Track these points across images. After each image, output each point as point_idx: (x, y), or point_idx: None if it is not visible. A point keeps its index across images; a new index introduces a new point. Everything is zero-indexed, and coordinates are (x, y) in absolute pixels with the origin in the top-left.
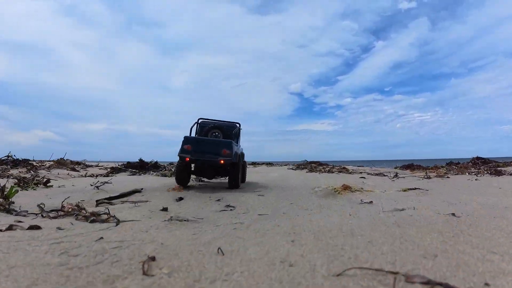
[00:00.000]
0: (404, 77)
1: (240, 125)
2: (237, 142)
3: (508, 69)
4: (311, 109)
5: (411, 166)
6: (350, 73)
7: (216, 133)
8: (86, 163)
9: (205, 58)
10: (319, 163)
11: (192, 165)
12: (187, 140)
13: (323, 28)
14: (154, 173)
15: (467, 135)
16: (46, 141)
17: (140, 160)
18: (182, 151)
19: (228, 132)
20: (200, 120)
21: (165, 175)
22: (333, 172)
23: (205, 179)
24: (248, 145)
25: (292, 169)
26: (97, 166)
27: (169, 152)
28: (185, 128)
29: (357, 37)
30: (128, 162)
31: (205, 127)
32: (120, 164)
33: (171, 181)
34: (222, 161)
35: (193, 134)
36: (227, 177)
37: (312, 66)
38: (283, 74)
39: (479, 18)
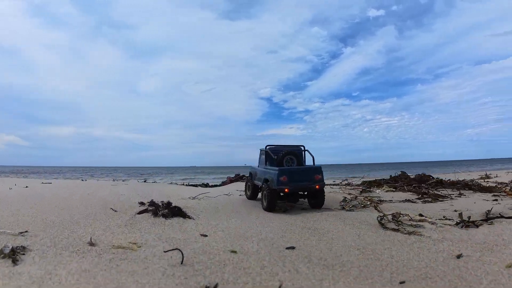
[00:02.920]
0: (371, 83)
1: (304, 147)
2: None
3: (472, 76)
4: (280, 114)
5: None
6: (319, 79)
7: (290, 158)
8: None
9: (176, 62)
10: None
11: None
12: (282, 172)
13: (293, 35)
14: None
15: (433, 139)
16: (10, 145)
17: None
18: (280, 183)
19: (299, 156)
20: (268, 147)
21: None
22: None
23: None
24: (220, 150)
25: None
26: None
27: (139, 157)
28: (155, 132)
29: (326, 43)
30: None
31: (278, 153)
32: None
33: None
34: (318, 186)
35: (259, 161)
36: (306, 198)
37: (281, 71)
38: (253, 79)
39: (445, 27)
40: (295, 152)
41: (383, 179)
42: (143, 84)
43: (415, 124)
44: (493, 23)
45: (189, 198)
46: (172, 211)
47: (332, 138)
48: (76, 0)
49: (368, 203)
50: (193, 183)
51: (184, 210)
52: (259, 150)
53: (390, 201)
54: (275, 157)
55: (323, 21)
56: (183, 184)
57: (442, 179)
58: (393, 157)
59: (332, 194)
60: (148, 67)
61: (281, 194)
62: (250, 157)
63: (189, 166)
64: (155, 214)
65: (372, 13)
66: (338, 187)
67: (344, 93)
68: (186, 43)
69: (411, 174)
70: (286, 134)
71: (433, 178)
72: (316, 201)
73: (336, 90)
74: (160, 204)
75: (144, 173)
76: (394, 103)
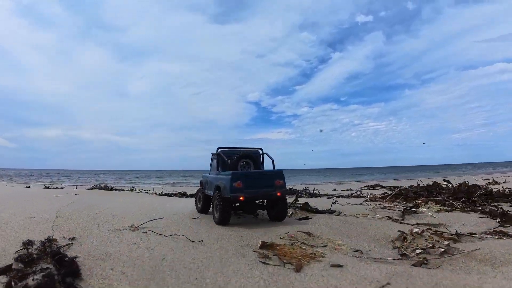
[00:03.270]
0: (359, 88)
1: (262, 150)
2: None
3: (458, 81)
4: (268, 118)
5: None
6: (307, 83)
7: (246, 162)
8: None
9: (164, 65)
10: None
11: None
12: (236, 176)
13: (282, 39)
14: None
15: (420, 143)
16: None
17: None
18: (233, 190)
19: (256, 159)
20: (220, 150)
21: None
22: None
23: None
24: (208, 154)
25: None
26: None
27: (127, 160)
28: (142, 135)
29: (315, 48)
30: None
31: (231, 157)
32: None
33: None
34: (279, 193)
35: (211, 167)
36: (265, 210)
37: (270, 75)
38: (241, 83)
39: (432, 33)
40: (251, 155)
41: (405, 188)
42: (131, 87)
43: (402, 129)
44: (479, 29)
45: (130, 228)
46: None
47: (320, 142)
48: (65, 1)
49: (445, 243)
50: (167, 192)
51: (87, 265)
52: (211, 155)
53: (472, 235)
54: (228, 160)
55: (312, 26)
56: (156, 193)
57: (491, 189)
58: (381, 161)
59: (368, 221)
60: (136, 70)
61: (236, 203)
62: None
63: (177, 170)
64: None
65: (361, 18)
66: (364, 200)
67: (332, 97)
68: (175, 46)
69: (385, 178)
70: (274, 139)
71: (480, 188)
72: (278, 212)
73: (324, 95)
74: (49, 249)
75: (131, 177)
76: (382, 108)
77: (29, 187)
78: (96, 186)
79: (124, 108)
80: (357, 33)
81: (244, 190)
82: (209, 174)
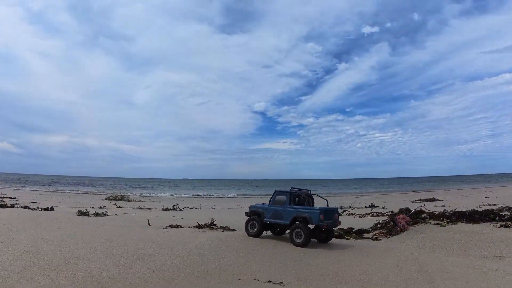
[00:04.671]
0: (365, 99)
1: (310, 191)
2: None
3: (464, 92)
4: (274, 128)
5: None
6: (313, 94)
7: (309, 200)
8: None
9: (170, 74)
10: None
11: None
12: (322, 211)
13: (288, 50)
14: None
15: (426, 154)
16: (3, 152)
17: None
18: (321, 220)
19: (312, 198)
20: (292, 189)
21: None
22: None
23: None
24: (212, 163)
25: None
26: None
27: (132, 168)
28: (147, 143)
29: (321, 59)
30: None
31: (300, 195)
32: None
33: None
34: (338, 223)
35: (274, 201)
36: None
37: (276, 86)
38: (247, 93)
39: (437, 44)
40: (311, 195)
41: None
42: (137, 96)
43: (408, 140)
44: (485, 40)
45: None
46: None
47: (326, 153)
48: (74, 9)
49: None
50: (174, 206)
51: None
52: (274, 191)
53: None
54: (296, 198)
55: (318, 37)
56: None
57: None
58: (386, 172)
59: None
60: (142, 79)
61: (322, 229)
62: (243, 171)
63: (181, 179)
64: None
65: (367, 29)
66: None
67: (337, 108)
68: (181, 56)
69: (403, 190)
70: (279, 149)
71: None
72: (330, 237)
73: (330, 105)
74: None
75: (141, 185)
76: (387, 119)
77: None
78: (112, 196)
79: (129, 116)
80: (363, 44)
81: (325, 220)
82: (270, 206)
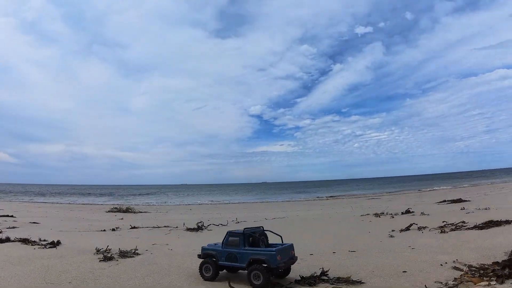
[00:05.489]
0: (360, 99)
1: (263, 228)
2: None
3: (459, 89)
4: (270, 131)
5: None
6: (308, 95)
7: (263, 238)
8: None
9: (166, 80)
10: None
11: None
12: (279, 251)
13: (282, 53)
14: None
15: (423, 152)
16: (0, 162)
17: None
18: (278, 262)
19: (266, 236)
20: (245, 230)
21: None
22: None
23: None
24: (210, 168)
25: None
26: None
27: (130, 175)
28: (145, 150)
29: (315, 60)
30: None
31: (254, 235)
32: None
33: None
34: (295, 260)
35: (227, 242)
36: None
37: (271, 89)
38: (243, 97)
39: (430, 42)
40: (265, 233)
41: None
42: (133, 102)
43: (404, 139)
44: (478, 37)
45: None
46: None
47: (323, 154)
48: (68, 18)
49: None
50: (198, 224)
51: None
52: (227, 233)
53: None
54: (251, 238)
55: (312, 38)
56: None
57: None
58: (384, 171)
59: None
60: (138, 85)
61: (280, 270)
62: (241, 175)
63: (180, 184)
64: None
65: (360, 30)
66: None
67: (333, 109)
68: (177, 62)
69: (408, 189)
70: (277, 151)
71: None
72: (285, 273)
73: (325, 107)
74: None
75: (141, 193)
76: (384, 118)
77: (57, 243)
78: (115, 208)
79: (126, 123)
80: (356, 44)
81: (282, 260)
82: (224, 248)
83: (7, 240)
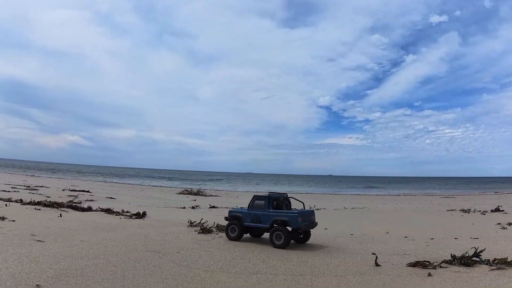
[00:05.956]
0: (434, 92)
1: (287, 195)
2: None
3: None
4: (339, 123)
5: None
6: (379, 87)
7: (287, 203)
8: None
9: (234, 70)
10: None
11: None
12: (300, 214)
13: (352, 43)
14: None
15: (500, 152)
16: (75, 145)
17: None
18: (300, 223)
19: (289, 201)
20: (270, 193)
21: None
22: None
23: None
24: (276, 158)
25: None
26: None
27: (196, 162)
28: (212, 138)
29: (387, 51)
30: None
31: (278, 199)
32: None
33: None
34: (315, 225)
35: (253, 206)
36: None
37: (341, 80)
38: (311, 88)
39: (511, 32)
40: (288, 198)
41: None
42: (201, 91)
43: (480, 137)
44: None
45: None
46: None
47: (393, 149)
48: (139, 10)
49: None
50: None
51: None
52: (254, 196)
53: None
54: (275, 202)
55: (384, 28)
56: None
57: None
58: (455, 171)
59: None
60: (206, 75)
61: (299, 232)
62: (307, 166)
63: (246, 173)
64: None
65: (435, 19)
66: None
67: (405, 102)
68: (244, 51)
69: (483, 191)
70: (345, 144)
71: None
72: (305, 238)
73: (397, 100)
74: None
75: (207, 179)
76: (458, 114)
77: (143, 215)
78: (187, 190)
79: (194, 111)
80: (431, 34)
81: (303, 223)
82: (250, 210)
83: (89, 209)
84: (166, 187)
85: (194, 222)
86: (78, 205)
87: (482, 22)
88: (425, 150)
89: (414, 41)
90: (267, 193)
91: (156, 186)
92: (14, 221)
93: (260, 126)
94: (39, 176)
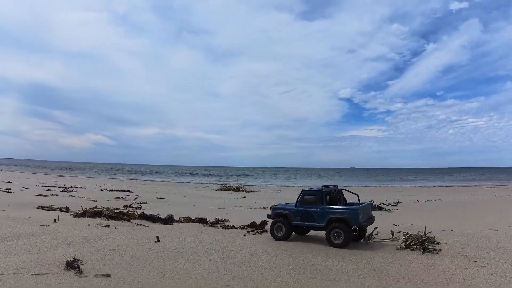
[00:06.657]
0: (456, 81)
1: (337, 186)
2: None
3: None
4: (360, 114)
5: None
6: (400, 78)
7: (341, 197)
8: None
9: (253, 65)
10: None
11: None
12: (361, 210)
13: (372, 33)
14: None
15: None
16: (98, 144)
17: None
18: (361, 220)
19: (343, 194)
20: (323, 187)
21: None
22: None
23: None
24: (298, 152)
25: None
26: None
27: (218, 158)
28: (233, 133)
29: (407, 40)
30: None
31: (332, 193)
32: None
33: None
34: (373, 221)
35: (302, 201)
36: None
37: (361, 71)
38: (332, 80)
39: None
40: (341, 191)
41: None
42: (221, 87)
43: (505, 126)
44: None
45: None
46: None
47: (415, 140)
48: (156, 8)
49: None
50: None
51: None
52: (302, 191)
53: None
54: (327, 196)
55: (403, 17)
56: None
57: None
58: (479, 161)
59: None
60: (226, 70)
61: (357, 228)
62: (329, 159)
63: (268, 167)
64: None
65: (455, 6)
66: None
67: (427, 92)
68: (263, 46)
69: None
70: (367, 136)
71: None
72: (361, 235)
73: (419, 90)
74: None
75: (230, 174)
76: (482, 103)
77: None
78: (225, 186)
79: (215, 107)
80: (451, 21)
81: (363, 219)
82: (299, 207)
83: (171, 220)
84: (198, 183)
85: None
86: (147, 214)
87: (503, 7)
88: (448, 140)
89: (434, 29)
90: (319, 187)
91: (187, 182)
92: (83, 264)
93: (281, 120)
94: (67, 176)
